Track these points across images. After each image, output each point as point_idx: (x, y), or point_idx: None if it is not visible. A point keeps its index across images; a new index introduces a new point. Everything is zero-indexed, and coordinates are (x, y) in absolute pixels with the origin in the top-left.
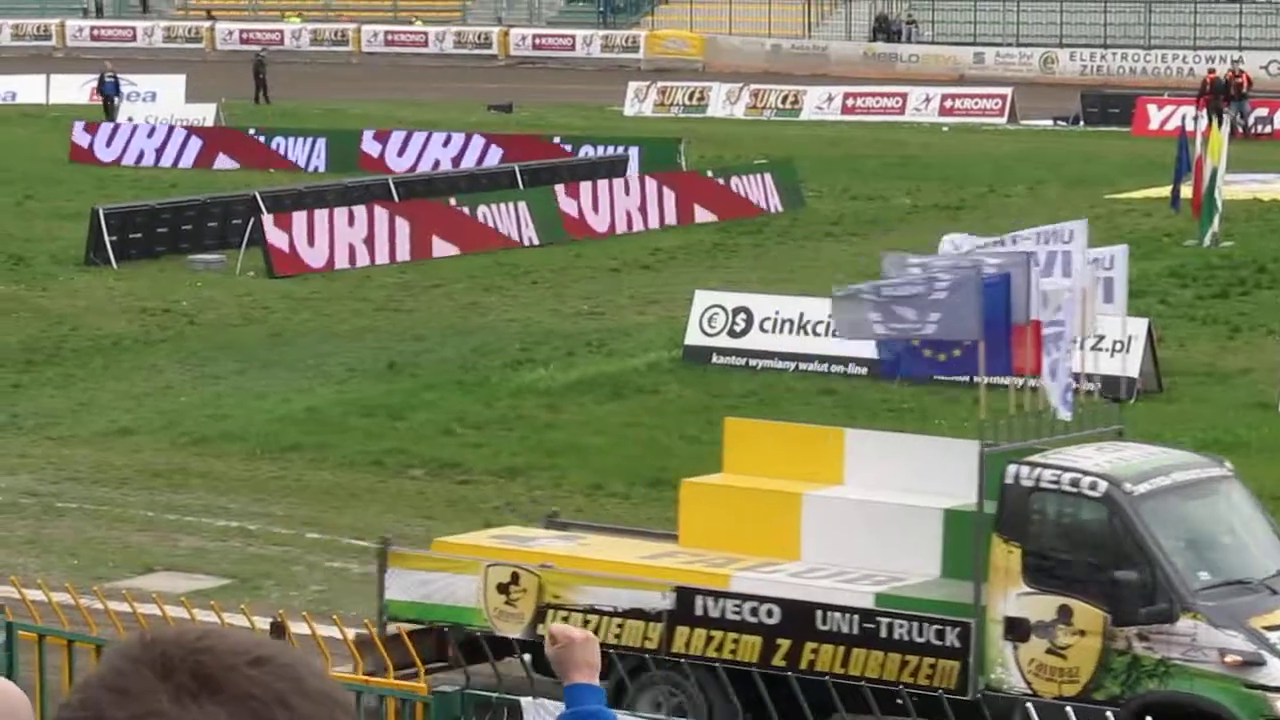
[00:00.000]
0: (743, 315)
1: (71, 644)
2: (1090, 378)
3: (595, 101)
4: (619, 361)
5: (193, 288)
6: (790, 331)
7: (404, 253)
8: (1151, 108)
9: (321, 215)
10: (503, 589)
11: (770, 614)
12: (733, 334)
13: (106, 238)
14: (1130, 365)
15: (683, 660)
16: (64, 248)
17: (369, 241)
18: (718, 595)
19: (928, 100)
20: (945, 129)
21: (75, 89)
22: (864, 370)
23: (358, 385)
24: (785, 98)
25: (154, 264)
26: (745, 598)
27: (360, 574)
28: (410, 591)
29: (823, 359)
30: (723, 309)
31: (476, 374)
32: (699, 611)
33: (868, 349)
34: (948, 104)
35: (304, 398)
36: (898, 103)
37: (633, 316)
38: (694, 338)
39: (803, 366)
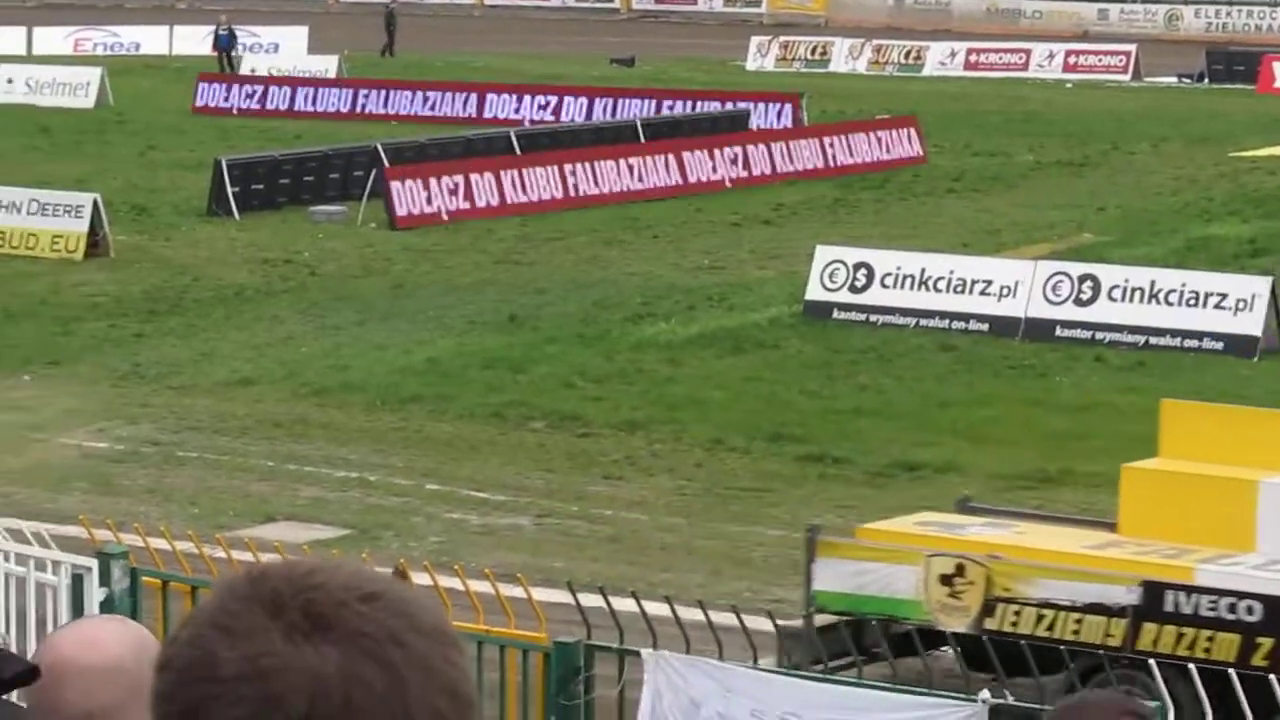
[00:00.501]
0: (864, 271)
1: (195, 590)
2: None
3: (717, 56)
4: (739, 316)
5: (314, 239)
6: (911, 287)
7: (525, 205)
8: (1277, 65)
9: (443, 167)
10: (946, 580)
11: (1250, 611)
12: (854, 289)
13: (229, 188)
14: (1254, 324)
15: (1150, 659)
16: (187, 198)
17: (490, 194)
18: (1189, 590)
19: (1051, 57)
20: (1068, 85)
21: (198, 40)
22: (985, 327)
23: (478, 337)
24: (908, 53)
25: (276, 215)
26: (1220, 593)
27: (479, 525)
28: (842, 582)
29: (943, 315)
30: (844, 264)
31: (597, 327)
32: (1168, 607)
33: (989, 305)
34: (1071, 60)
35: (424, 349)
36: (1021, 59)
37: (753, 271)
38: (815, 293)
39: (923, 322)
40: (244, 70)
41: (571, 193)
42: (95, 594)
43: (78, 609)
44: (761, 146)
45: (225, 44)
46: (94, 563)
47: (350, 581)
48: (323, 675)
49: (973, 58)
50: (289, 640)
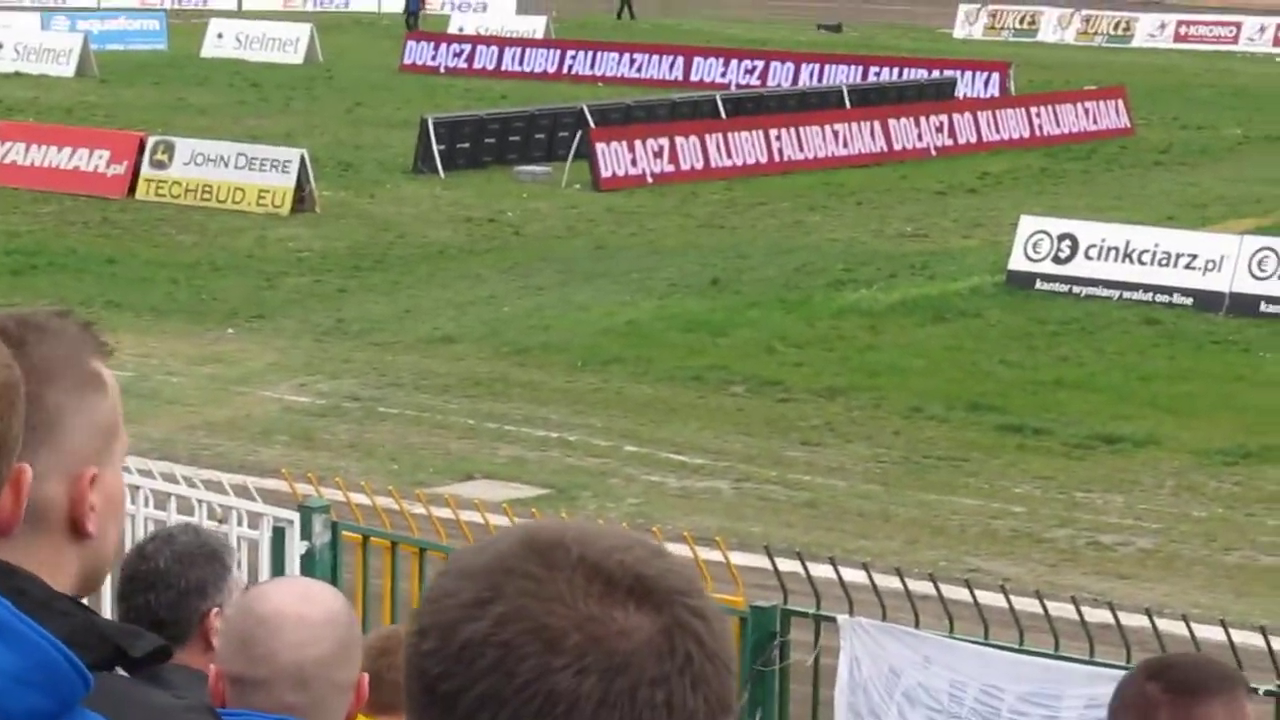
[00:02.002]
0: (1068, 242)
1: (395, 546)
2: None
3: (925, 23)
4: (941, 284)
5: (518, 199)
6: (1115, 259)
7: (730, 170)
8: None
9: (649, 130)
10: None
11: None
12: (1057, 260)
13: (435, 146)
14: None
15: None
16: (392, 156)
17: (695, 157)
18: None
19: (1262, 30)
20: (1279, 59)
21: None
22: (1189, 301)
23: (680, 301)
24: (1117, 24)
25: (480, 174)
26: None
27: (677, 488)
28: None
29: (1147, 288)
30: (1048, 235)
31: (799, 293)
32: None
33: (1193, 279)
34: None
35: (626, 311)
36: (1231, 32)
37: (957, 240)
38: (1018, 263)
39: (1127, 295)
40: (452, 29)
41: (776, 158)
42: (297, 547)
43: (279, 562)
44: (968, 115)
45: (414, 6)
46: (296, 516)
47: (634, 540)
48: (657, 635)
49: (1182, 30)
50: (616, 603)
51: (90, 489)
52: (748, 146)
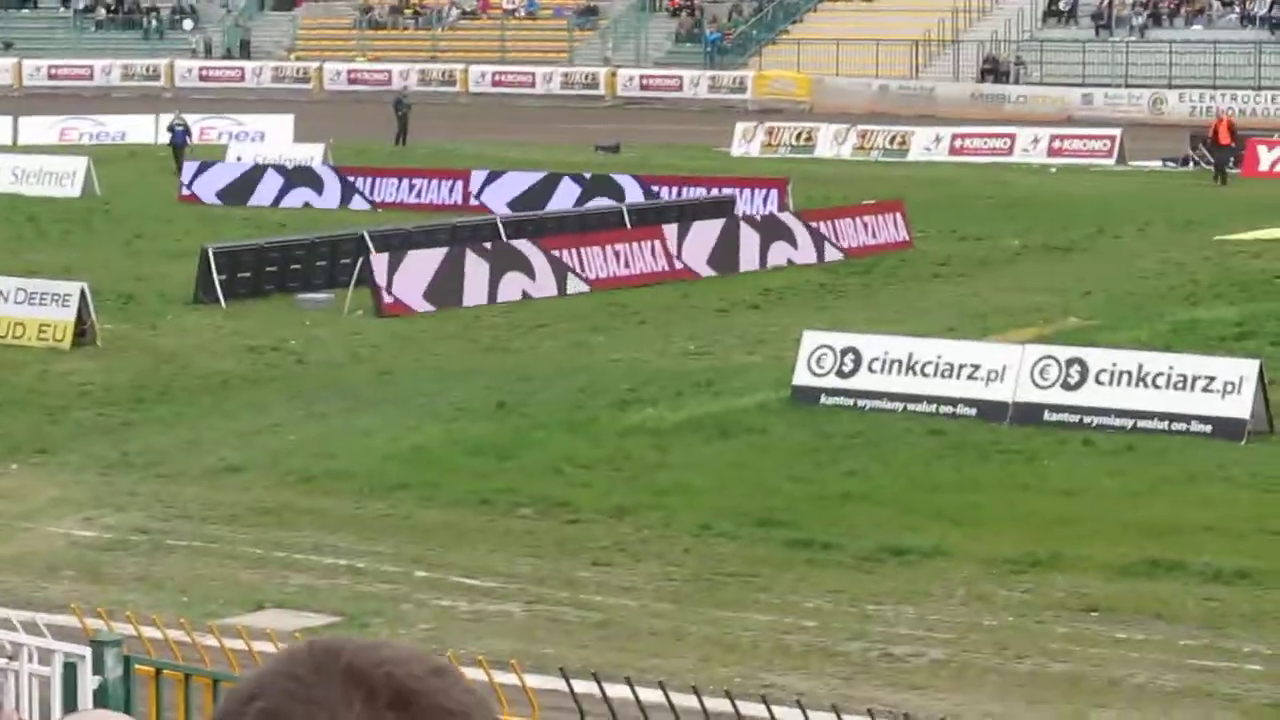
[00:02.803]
0: (851, 355)
1: (189, 678)
2: None
3: (702, 142)
4: (727, 401)
5: (301, 326)
6: (899, 372)
7: (511, 293)
8: (1262, 149)
9: (429, 255)
10: None
11: None
12: (841, 374)
13: (216, 276)
14: (1241, 407)
15: None
16: (173, 286)
17: (476, 282)
18: None
19: (1036, 141)
20: (1053, 170)
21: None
22: (973, 411)
23: (466, 425)
24: (893, 138)
25: (263, 303)
26: None
27: (469, 612)
28: None
29: (931, 399)
30: (831, 349)
31: (585, 414)
32: None
33: (976, 389)
34: (1056, 145)
35: (412, 436)
36: (1006, 144)
37: (740, 357)
38: (802, 378)
39: (911, 407)
40: (230, 158)
41: (556, 279)
42: (89, 682)
43: (70, 698)
44: (747, 231)
45: (180, 140)
46: (87, 651)
47: (418, 656)
48: None
49: (958, 142)
50: (373, 713)
51: None
52: (530, 268)
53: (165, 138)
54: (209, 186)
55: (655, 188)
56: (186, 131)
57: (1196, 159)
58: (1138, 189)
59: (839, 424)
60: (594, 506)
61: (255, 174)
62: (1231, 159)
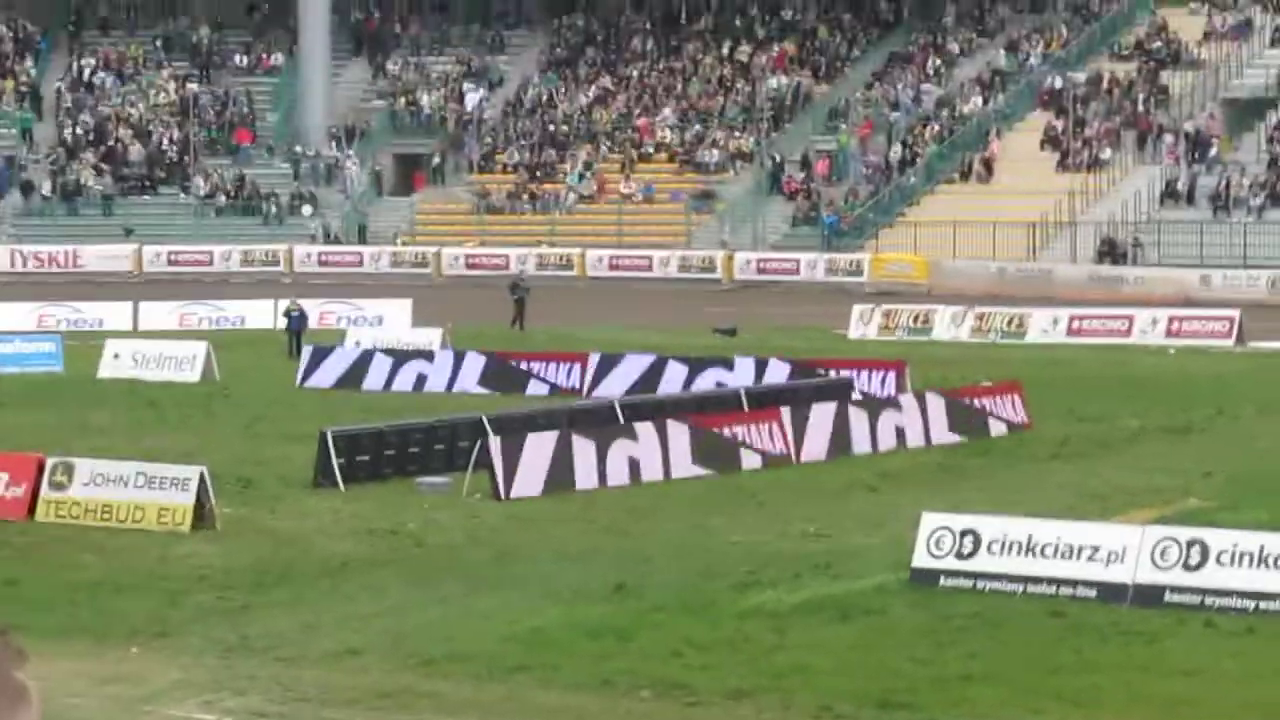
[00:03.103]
0: (970, 537)
1: None
2: None
3: (820, 323)
4: (846, 584)
5: (419, 510)
6: (1018, 553)
7: (630, 475)
8: None
9: (548, 438)
10: None
11: None
12: (960, 556)
13: (334, 460)
14: None
15: None
16: (292, 470)
17: (595, 464)
18: None
19: (1154, 322)
20: (1172, 351)
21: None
22: (1093, 592)
23: (585, 607)
24: (1010, 320)
25: (381, 486)
26: None
27: None
28: None
29: (1051, 581)
30: (950, 531)
31: (703, 596)
32: None
33: (1096, 570)
34: (1174, 326)
35: (531, 618)
36: (1124, 325)
37: (859, 538)
38: (921, 560)
39: (1031, 589)
40: (349, 344)
41: (677, 461)
42: None
43: None
44: (866, 413)
45: (296, 325)
46: None
47: None
48: None
49: (1076, 324)
50: None
51: None
52: (645, 452)
53: (283, 323)
54: (329, 371)
55: (776, 369)
56: (303, 316)
57: None
58: (1257, 369)
59: (958, 605)
60: (713, 689)
61: (371, 359)
62: None
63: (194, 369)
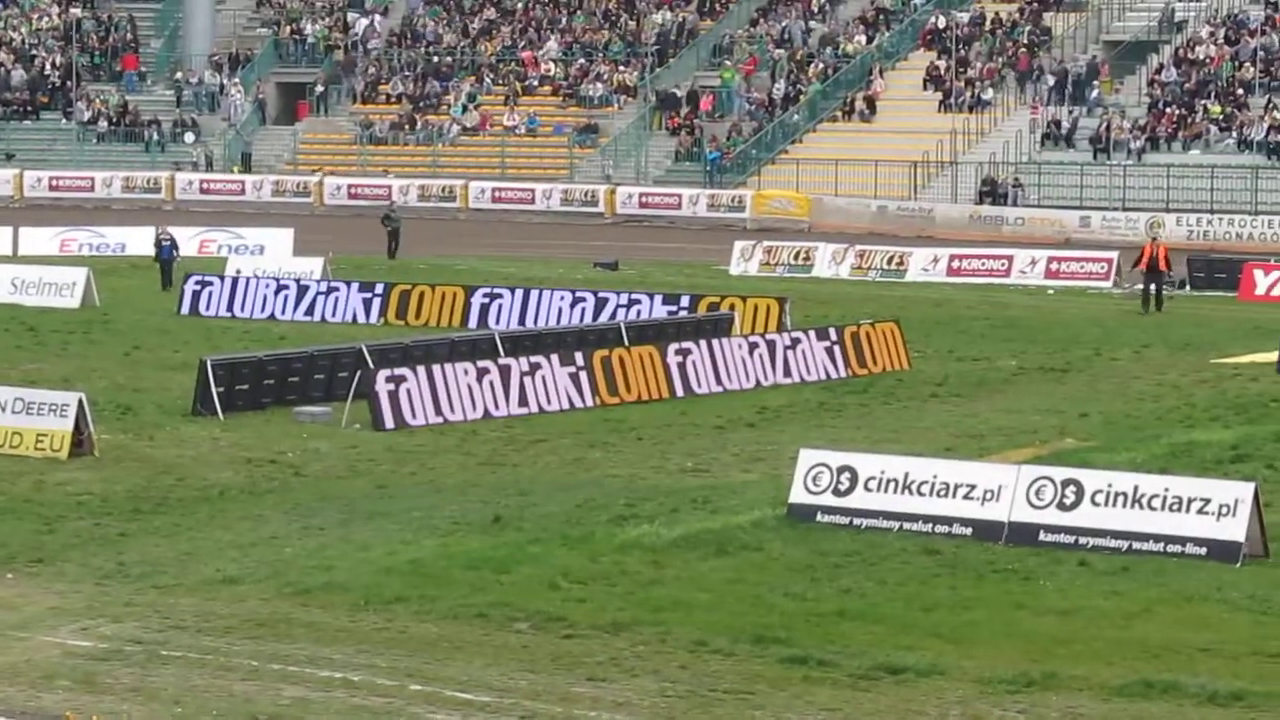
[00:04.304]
0: (848, 474)
1: None
2: None
3: (701, 260)
4: (723, 519)
5: (298, 439)
6: (895, 491)
7: (510, 407)
8: (1258, 273)
9: (428, 370)
10: None
11: None
12: (837, 493)
13: (214, 388)
14: (1236, 529)
15: None
16: (171, 398)
17: (475, 396)
18: None
19: (1033, 263)
20: (1050, 292)
21: (184, 241)
22: (969, 530)
23: (462, 538)
24: (891, 259)
25: (260, 415)
26: None
27: None
28: None
29: (927, 519)
30: (828, 468)
31: (581, 529)
32: None
33: (972, 509)
34: (1053, 267)
35: (409, 550)
36: (1003, 265)
37: (737, 474)
38: (799, 496)
39: (907, 526)
40: (229, 271)
41: (554, 395)
42: None
43: None
44: (745, 350)
45: (167, 255)
46: None
47: None
48: None
49: (955, 263)
50: None
51: None
52: (528, 384)
53: (186, 250)
54: (208, 299)
55: (654, 304)
56: (174, 246)
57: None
58: (1134, 312)
59: (835, 542)
60: (590, 622)
61: (255, 287)
62: (1166, 286)
63: (74, 295)
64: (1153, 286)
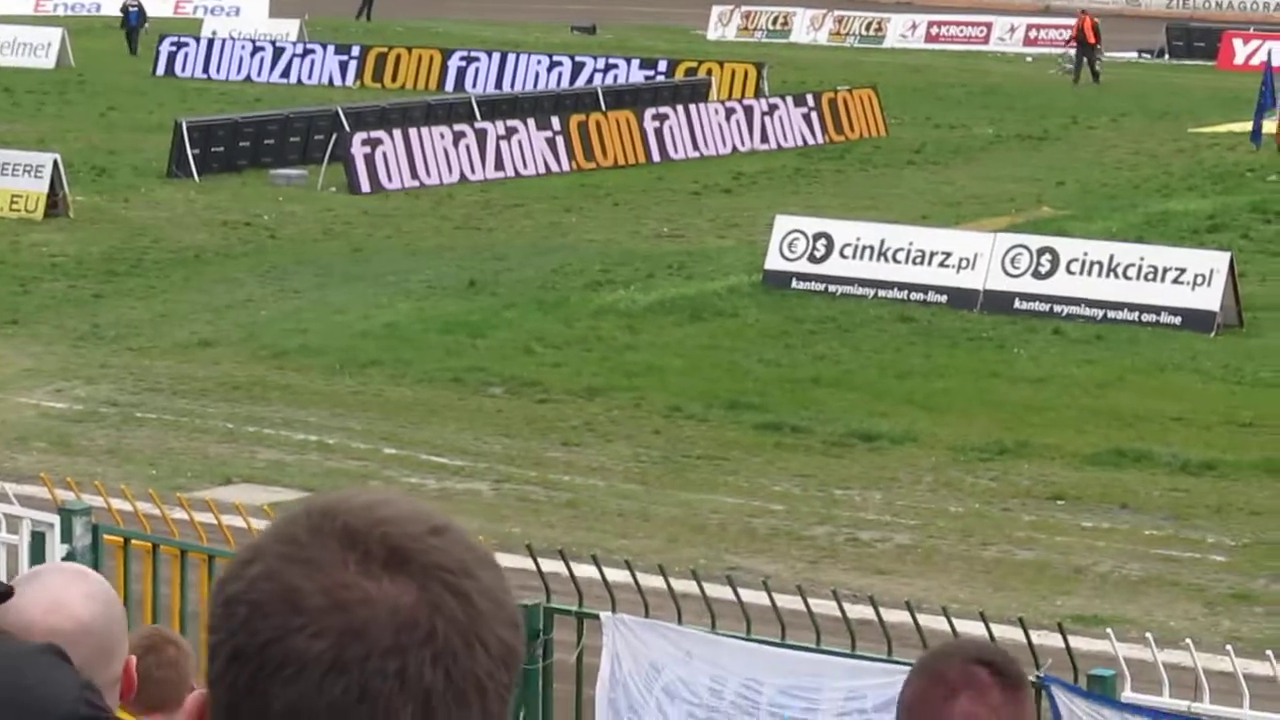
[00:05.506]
0: (823, 241)
1: (156, 548)
2: None
3: (678, 24)
4: (698, 284)
5: (274, 202)
6: (870, 258)
7: (486, 171)
8: (1237, 42)
9: (404, 132)
10: None
11: None
12: (813, 259)
13: (189, 150)
14: (1211, 299)
15: None
16: (146, 160)
17: (451, 160)
18: None
19: (1012, 30)
20: (1029, 59)
21: (160, 2)
22: (944, 298)
23: (437, 302)
24: (869, 25)
25: (236, 178)
26: None
27: (436, 490)
28: None
29: (902, 286)
30: (803, 234)
31: (556, 294)
32: None
33: (948, 276)
34: (1032, 34)
35: (384, 314)
36: (982, 32)
37: (713, 240)
38: (774, 262)
39: (882, 293)
40: (205, 33)
41: (531, 159)
42: (57, 551)
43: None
44: (722, 115)
45: (135, 21)
46: (55, 519)
47: (417, 514)
48: (403, 607)
49: (934, 30)
50: (367, 573)
51: None
52: (504, 148)
53: (162, 10)
54: (184, 61)
55: (631, 69)
56: (142, 13)
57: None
58: (1112, 80)
59: (810, 309)
60: (564, 386)
61: (230, 49)
62: (1095, 59)
63: (49, 55)
64: (1085, 59)
